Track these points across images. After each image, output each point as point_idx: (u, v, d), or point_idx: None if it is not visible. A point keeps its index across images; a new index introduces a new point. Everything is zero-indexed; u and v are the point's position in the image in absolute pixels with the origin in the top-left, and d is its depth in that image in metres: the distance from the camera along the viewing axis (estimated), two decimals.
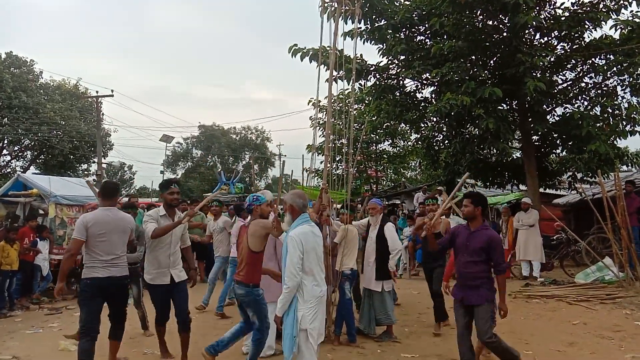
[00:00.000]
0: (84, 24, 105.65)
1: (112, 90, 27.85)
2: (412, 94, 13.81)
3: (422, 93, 13.90)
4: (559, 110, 13.04)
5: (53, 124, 27.58)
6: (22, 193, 10.54)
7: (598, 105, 12.24)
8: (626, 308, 7.97)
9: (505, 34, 11.88)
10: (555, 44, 12.45)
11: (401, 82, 13.60)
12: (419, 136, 16.55)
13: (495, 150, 13.44)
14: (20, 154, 30.92)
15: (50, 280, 9.70)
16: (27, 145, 30.00)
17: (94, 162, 30.30)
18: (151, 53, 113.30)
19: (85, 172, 32.55)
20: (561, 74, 12.78)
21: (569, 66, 12.44)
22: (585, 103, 12.73)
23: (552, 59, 11.75)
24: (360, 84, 13.90)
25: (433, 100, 13.24)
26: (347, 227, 6.46)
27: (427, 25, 12.20)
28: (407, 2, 12.66)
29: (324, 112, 15.70)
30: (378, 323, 6.56)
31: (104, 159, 30.24)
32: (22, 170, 28.61)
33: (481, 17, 11.98)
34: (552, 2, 11.99)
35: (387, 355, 5.77)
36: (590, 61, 12.00)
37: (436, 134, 15.30)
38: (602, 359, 5.59)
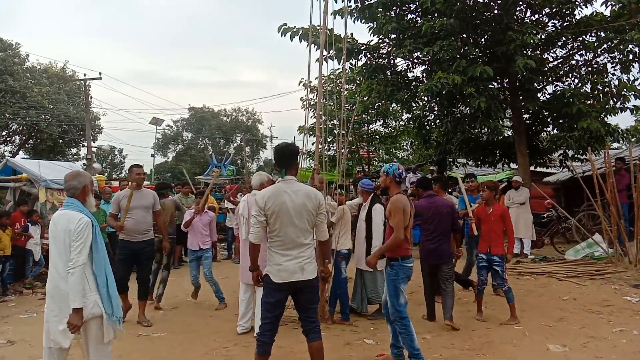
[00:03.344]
0: (69, 5, 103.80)
1: (100, 73, 27.49)
2: (403, 73, 13.73)
3: (413, 72, 13.83)
4: (550, 88, 13.07)
5: (41, 108, 27.20)
6: (11, 178, 10.45)
7: (588, 83, 12.24)
8: (615, 283, 8.10)
9: (496, 12, 11.81)
10: (546, 21, 12.41)
11: (392, 62, 13.51)
12: (410, 116, 16.51)
13: (486, 129, 13.48)
14: (8, 139, 30.55)
15: (43, 265, 9.68)
16: (15, 129, 29.63)
17: (83, 146, 30.01)
18: (139, 34, 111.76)
19: (75, 157, 32.29)
20: (552, 51, 12.76)
21: (559, 44, 12.41)
22: (576, 80, 12.74)
23: (542, 37, 11.71)
24: (351, 64, 13.82)
25: (424, 79, 13.18)
26: (343, 208, 6.49)
27: (417, 3, 12.09)
28: None
29: (315, 93, 15.61)
30: (370, 301, 6.62)
31: (94, 142, 29.97)
32: (10, 155, 28.27)
33: None
34: None
35: (379, 333, 5.84)
36: (581, 38, 11.97)
37: (427, 114, 15.27)
38: (591, 333, 5.69)
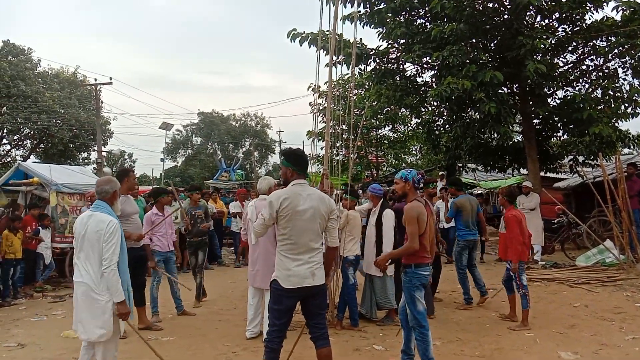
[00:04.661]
0: (80, 10, 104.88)
1: (110, 78, 27.71)
2: (412, 78, 13.73)
3: (422, 77, 13.83)
4: (560, 93, 13.00)
5: (52, 113, 27.47)
6: (23, 182, 10.54)
7: (599, 88, 12.19)
8: (627, 290, 8.03)
9: (506, 16, 11.78)
10: (556, 26, 12.37)
11: (401, 67, 13.52)
12: (419, 121, 16.50)
13: (496, 134, 13.41)
14: (20, 143, 30.85)
15: (53, 269, 9.75)
16: (27, 134, 29.92)
17: (94, 150, 30.27)
18: (149, 38, 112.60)
19: (86, 161, 32.51)
20: (562, 56, 12.71)
21: (569, 48, 12.36)
22: (587, 85, 12.69)
23: (553, 42, 11.66)
24: (360, 69, 13.82)
25: (433, 84, 13.18)
26: (347, 213, 6.46)
27: (427, 8, 12.09)
28: None
29: (324, 98, 15.63)
30: (379, 307, 6.59)
31: (104, 147, 30.17)
32: (22, 159, 28.53)
33: None
34: None
35: (389, 339, 5.81)
36: (592, 43, 11.92)
37: (437, 119, 15.24)
38: (603, 340, 5.63)
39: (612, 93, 11.93)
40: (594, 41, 11.85)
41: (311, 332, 4.14)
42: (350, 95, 8.58)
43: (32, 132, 29.40)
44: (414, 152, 27.39)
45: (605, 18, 11.63)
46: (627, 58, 11.70)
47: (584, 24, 11.86)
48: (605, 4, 11.25)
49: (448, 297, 8.04)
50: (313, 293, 4.03)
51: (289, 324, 4.20)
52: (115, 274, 3.95)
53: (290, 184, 4.11)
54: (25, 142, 31.10)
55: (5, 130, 28.57)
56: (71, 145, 30.18)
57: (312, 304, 4.08)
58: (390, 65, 13.41)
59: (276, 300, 4.03)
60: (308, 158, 4.33)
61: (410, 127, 22.16)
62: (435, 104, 14.27)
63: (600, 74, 12.43)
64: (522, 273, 6.32)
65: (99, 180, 4.39)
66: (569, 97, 12.06)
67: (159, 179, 35.48)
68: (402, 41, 12.61)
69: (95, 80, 28.12)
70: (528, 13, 11.93)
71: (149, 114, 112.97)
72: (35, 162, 22.86)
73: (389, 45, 13.07)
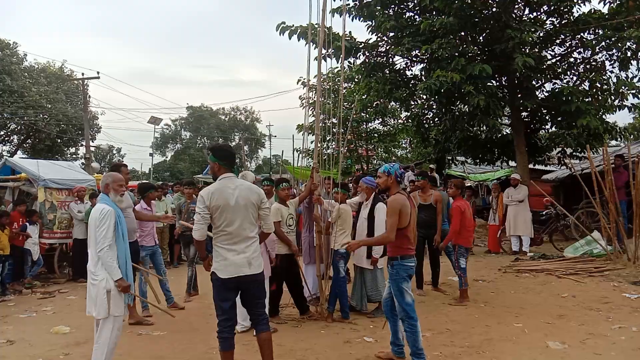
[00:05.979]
0: (66, 3, 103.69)
1: (98, 72, 27.44)
2: (401, 71, 13.74)
3: (411, 70, 13.84)
4: (548, 86, 13.09)
5: (39, 108, 27.20)
6: (10, 177, 10.43)
7: (587, 80, 12.29)
8: (614, 280, 8.11)
9: (494, 10, 11.81)
10: (544, 19, 12.43)
11: (391, 60, 13.52)
12: (409, 114, 16.54)
13: (485, 127, 13.49)
14: (6, 139, 30.53)
15: (42, 265, 9.67)
16: (14, 129, 29.62)
17: (82, 145, 30.01)
18: (137, 33, 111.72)
19: (74, 156, 32.27)
20: (550, 49, 12.78)
21: (557, 41, 12.42)
22: (574, 78, 12.77)
23: (541, 34, 11.72)
24: (349, 62, 13.81)
25: (423, 77, 13.19)
26: (339, 207, 6.46)
27: (416, 1, 12.10)
28: None
29: (314, 91, 15.61)
30: (369, 299, 6.62)
31: (92, 142, 29.96)
32: (9, 154, 28.25)
33: None
34: None
35: (379, 330, 5.83)
36: (579, 36, 11.99)
37: (426, 112, 15.28)
38: (590, 330, 5.70)
39: (599, 85, 12.02)
40: (582, 34, 11.92)
41: (251, 319, 4.39)
42: (340, 88, 8.56)
43: (19, 128, 29.11)
44: (403, 145, 27.46)
45: (592, 11, 11.70)
46: (614, 51, 11.78)
47: (571, 17, 11.93)
48: None
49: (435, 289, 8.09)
50: (250, 282, 4.19)
51: (235, 312, 4.33)
52: (107, 255, 4.26)
53: (219, 178, 4.27)
54: (12, 138, 30.80)
55: None
56: (59, 140, 29.93)
57: (250, 294, 4.26)
58: (379, 58, 13.40)
59: (217, 291, 4.21)
60: (235, 153, 4.51)
61: (400, 121, 22.23)
62: (424, 97, 14.29)
63: (588, 66, 12.52)
64: (461, 257, 7.14)
65: None
66: (557, 90, 12.12)
67: (148, 173, 35.29)
68: (391, 34, 12.60)
69: (83, 74, 27.90)
70: (516, 6, 11.98)
71: (137, 109, 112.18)
72: (22, 158, 22.63)
73: (378, 39, 13.06)
